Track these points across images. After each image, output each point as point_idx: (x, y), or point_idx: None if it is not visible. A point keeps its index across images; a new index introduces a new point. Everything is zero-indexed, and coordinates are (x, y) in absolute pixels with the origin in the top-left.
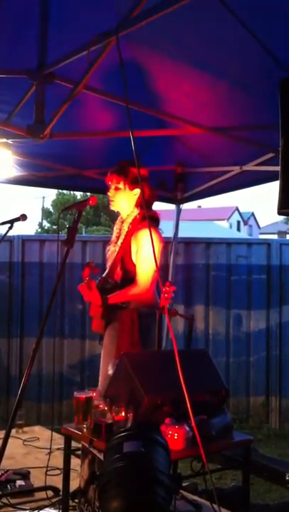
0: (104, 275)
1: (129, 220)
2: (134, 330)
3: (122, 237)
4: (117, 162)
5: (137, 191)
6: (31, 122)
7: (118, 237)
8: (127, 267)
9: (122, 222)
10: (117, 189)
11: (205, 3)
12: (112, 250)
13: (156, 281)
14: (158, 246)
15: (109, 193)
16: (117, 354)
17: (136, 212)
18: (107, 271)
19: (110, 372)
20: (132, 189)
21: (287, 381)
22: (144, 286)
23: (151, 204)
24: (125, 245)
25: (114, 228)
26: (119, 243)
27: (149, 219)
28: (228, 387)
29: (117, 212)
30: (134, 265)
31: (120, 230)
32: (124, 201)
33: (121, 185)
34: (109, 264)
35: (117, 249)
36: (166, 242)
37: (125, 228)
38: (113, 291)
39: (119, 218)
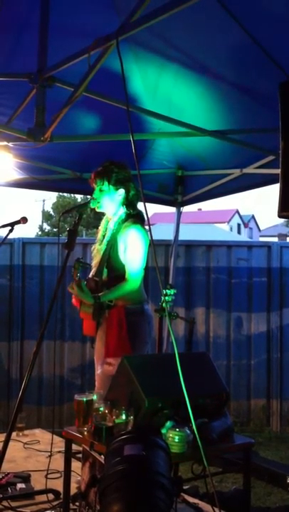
0: (91, 275)
1: (116, 219)
2: (122, 327)
3: (109, 235)
4: (101, 163)
5: (122, 191)
6: (32, 125)
7: (104, 236)
8: (114, 265)
9: (108, 221)
10: (101, 191)
11: (205, 7)
12: (98, 249)
13: (143, 278)
14: (145, 243)
15: (94, 195)
16: (106, 352)
17: (122, 211)
18: (94, 270)
19: (99, 371)
20: (116, 189)
21: (288, 384)
22: (135, 282)
23: (136, 203)
24: (112, 244)
25: (101, 228)
26: (105, 242)
27: (135, 218)
28: (229, 390)
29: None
30: (121, 263)
31: (106, 229)
32: (110, 202)
33: (105, 187)
34: (95, 262)
35: (104, 247)
36: (166, 245)
37: (111, 226)
38: (101, 289)
39: (105, 218)
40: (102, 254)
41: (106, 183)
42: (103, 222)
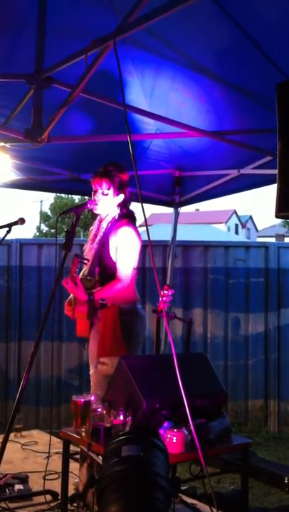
0: (83, 274)
1: (108, 219)
2: (116, 327)
3: (101, 234)
4: (104, 165)
5: (121, 197)
6: (29, 126)
7: (96, 235)
8: (105, 263)
9: (101, 221)
10: (104, 194)
11: (203, 8)
12: (90, 248)
13: (135, 277)
14: (137, 243)
15: (95, 197)
16: (100, 351)
17: (116, 211)
18: (86, 269)
19: (92, 371)
20: (117, 195)
21: (286, 384)
22: (126, 280)
23: (129, 204)
24: (103, 242)
25: (93, 227)
26: (97, 241)
27: (127, 217)
28: (227, 390)
29: None
30: (112, 261)
31: (98, 228)
32: (109, 206)
33: (109, 192)
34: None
35: (95, 246)
36: (164, 246)
37: (104, 226)
38: (93, 288)
39: (98, 217)
40: (94, 253)
41: (111, 188)
42: (95, 222)
